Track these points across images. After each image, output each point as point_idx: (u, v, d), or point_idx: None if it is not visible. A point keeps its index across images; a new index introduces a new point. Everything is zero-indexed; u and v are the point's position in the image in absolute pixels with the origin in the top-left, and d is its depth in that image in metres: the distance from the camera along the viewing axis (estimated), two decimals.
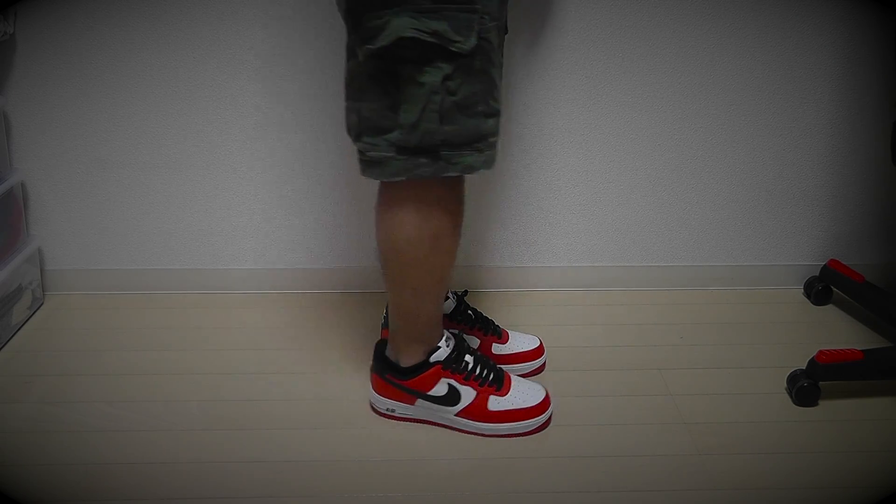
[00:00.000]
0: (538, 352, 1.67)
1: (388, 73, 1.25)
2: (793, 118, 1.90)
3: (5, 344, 1.75)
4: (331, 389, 1.61)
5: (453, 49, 1.22)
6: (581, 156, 1.91)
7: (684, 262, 2.00)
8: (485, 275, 1.98)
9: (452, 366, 1.47)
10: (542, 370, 1.67)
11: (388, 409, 1.52)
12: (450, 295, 1.63)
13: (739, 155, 1.92)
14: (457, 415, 1.48)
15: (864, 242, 2.01)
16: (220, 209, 1.92)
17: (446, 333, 1.49)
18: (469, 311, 1.65)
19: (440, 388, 1.47)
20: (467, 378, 1.47)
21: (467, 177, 1.59)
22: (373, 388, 1.53)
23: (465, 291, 1.68)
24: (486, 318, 1.66)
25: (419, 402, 1.49)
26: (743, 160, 1.93)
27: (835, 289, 1.93)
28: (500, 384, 1.48)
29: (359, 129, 1.31)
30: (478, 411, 1.47)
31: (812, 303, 1.96)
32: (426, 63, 1.23)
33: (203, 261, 1.95)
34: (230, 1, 1.77)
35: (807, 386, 1.57)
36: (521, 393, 1.49)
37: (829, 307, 1.94)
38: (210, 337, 1.78)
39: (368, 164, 1.31)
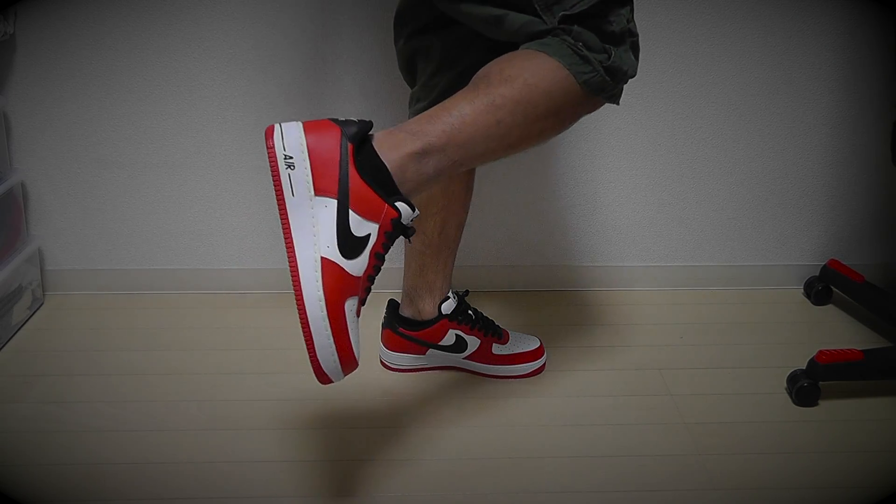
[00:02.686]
0: (538, 352, 1.67)
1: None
2: (793, 118, 1.90)
3: (5, 344, 1.74)
4: (331, 389, 1.60)
5: None
6: (581, 156, 1.91)
7: (684, 262, 2.00)
8: (485, 275, 1.98)
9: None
10: (543, 370, 1.67)
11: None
12: (450, 295, 1.63)
13: (739, 155, 1.92)
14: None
15: (864, 242, 2.01)
16: (220, 209, 1.92)
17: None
18: (470, 311, 1.64)
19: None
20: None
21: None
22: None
23: (466, 291, 1.68)
24: (487, 318, 1.66)
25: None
26: (743, 160, 1.93)
27: (835, 289, 1.93)
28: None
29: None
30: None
31: (812, 303, 1.95)
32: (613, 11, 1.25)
33: (203, 261, 1.95)
34: (231, 0, 1.77)
35: (807, 386, 1.56)
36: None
37: (829, 307, 1.94)
38: (210, 337, 1.78)
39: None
